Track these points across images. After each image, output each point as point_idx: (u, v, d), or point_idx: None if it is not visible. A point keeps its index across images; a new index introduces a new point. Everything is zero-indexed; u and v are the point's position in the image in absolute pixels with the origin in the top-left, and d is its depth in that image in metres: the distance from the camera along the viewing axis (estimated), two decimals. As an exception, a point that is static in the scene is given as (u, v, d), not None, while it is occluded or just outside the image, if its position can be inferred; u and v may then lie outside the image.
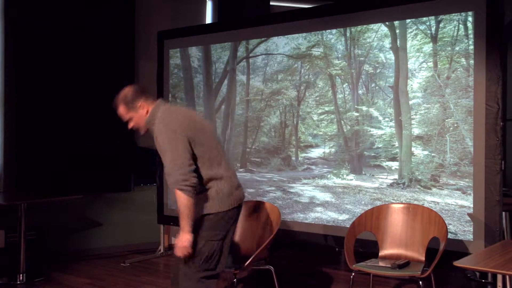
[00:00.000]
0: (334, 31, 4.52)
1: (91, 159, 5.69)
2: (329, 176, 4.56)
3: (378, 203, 4.15)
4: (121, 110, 3.01)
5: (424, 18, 4.05)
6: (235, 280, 3.48)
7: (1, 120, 5.33)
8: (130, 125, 3.02)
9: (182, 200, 2.78)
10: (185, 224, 2.81)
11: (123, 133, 5.84)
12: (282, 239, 4.49)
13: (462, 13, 3.87)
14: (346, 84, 4.49)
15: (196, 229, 2.88)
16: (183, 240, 2.82)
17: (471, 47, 3.82)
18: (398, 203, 3.93)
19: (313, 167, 4.66)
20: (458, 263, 2.51)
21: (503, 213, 4.38)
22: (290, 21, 4.77)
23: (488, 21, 3.72)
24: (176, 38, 5.55)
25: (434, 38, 4.01)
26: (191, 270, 2.90)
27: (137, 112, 2.96)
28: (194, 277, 2.90)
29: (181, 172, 2.78)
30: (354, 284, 3.63)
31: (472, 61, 3.81)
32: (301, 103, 4.74)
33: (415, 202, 3.98)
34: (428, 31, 4.05)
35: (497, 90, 3.68)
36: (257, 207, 3.98)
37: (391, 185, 4.20)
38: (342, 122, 4.50)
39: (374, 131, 4.31)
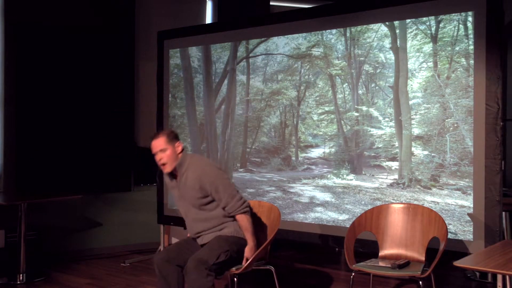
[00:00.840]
0: (334, 31, 4.52)
1: (91, 159, 5.69)
2: (329, 176, 4.56)
3: (378, 203, 4.15)
4: (161, 140, 3.34)
5: (424, 18, 4.05)
6: (235, 279, 3.48)
7: (1, 120, 5.33)
8: (160, 156, 3.33)
9: (246, 221, 3.41)
10: (253, 238, 3.42)
11: (123, 133, 5.91)
12: (282, 239, 4.49)
13: (462, 13, 3.87)
14: (346, 84, 4.49)
15: (229, 240, 3.39)
16: (252, 250, 3.40)
17: (471, 47, 3.82)
18: (398, 203, 3.93)
19: (313, 167, 4.66)
20: (458, 263, 2.51)
21: (503, 213, 4.39)
22: (290, 21, 4.77)
23: (488, 21, 3.72)
24: (176, 38, 5.55)
25: (434, 38, 4.01)
26: (204, 265, 3.20)
27: (174, 148, 3.36)
28: (205, 270, 3.21)
29: (238, 199, 3.39)
30: (354, 284, 3.62)
31: (472, 61, 3.81)
32: (301, 103, 4.74)
33: (415, 202, 3.98)
34: (428, 31, 4.05)
35: (497, 90, 3.68)
36: (257, 207, 3.98)
37: (391, 185, 4.20)
38: (342, 122, 4.50)
39: (374, 131, 4.31)
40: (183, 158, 3.39)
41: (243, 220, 3.41)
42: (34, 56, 5.43)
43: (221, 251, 3.27)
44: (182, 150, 3.41)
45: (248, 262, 3.37)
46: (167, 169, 3.36)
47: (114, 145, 5.82)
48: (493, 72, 3.70)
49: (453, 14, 3.91)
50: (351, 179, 4.42)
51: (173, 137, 3.38)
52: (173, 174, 3.46)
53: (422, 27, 4.07)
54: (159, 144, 3.34)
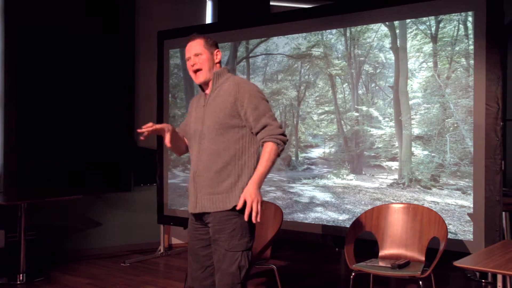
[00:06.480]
0: (334, 31, 4.52)
1: (91, 159, 5.69)
2: (329, 176, 4.56)
3: (378, 203, 4.15)
4: (199, 42, 2.81)
5: (424, 18, 4.05)
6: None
7: (1, 120, 5.33)
8: (194, 61, 2.77)
9: (273, 154, 2.62)
10: (263, 180, 2.63)
11: (123, 133, 5.91)
12: (282, 239, 4.49)
13: (462, 13, 3.87)
14: (346, 84, 4.49)
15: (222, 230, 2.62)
16: (257, 194, 2.56)
17: (471, 47, 3.82)
18: (398, 203, 3.93)
19: (313, 167, 4.66)
20: (458, 263, 2.51)
21: (503, 213, 4.38)
22: (290, 21, 4.77)
23: (488, 21, 3.72)
24: (176, 38, 5.55)
25: (434, 38, 4.01)
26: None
27: (212, 56, 2.82)
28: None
29: (280, 125, 2.69)
30: (354, 284, 3.62)
31: (472, 61, 3.81)
32: (301, 103, 4.74)
33: (415, 202, 3.98)
34: (428, 31, 4.05)
35: (497, 90, 3.68)
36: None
37: (391, 185, 4.20)
38: (342, 122, 4.50)
39: (374, 131, 4.31)
40: (224, 70, 2.81)
41: (271, 152, 2.62)
42: (34, 56, 5.43)
43: (238, 258, 2.60)
44: (218, 63, 2.84)
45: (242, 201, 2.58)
46: (200, 78, 2.75)
47: (114, 145, 5.82)
48: (493, 72, 3.70)
49: (453, 14, 3.91)
50: (351, 179, 4.42)
51: (213, 43, 2.86)
52: (203, 91, 2.83)
53: (422, 27, 4.07)
54: (195, 47, 2.78)
